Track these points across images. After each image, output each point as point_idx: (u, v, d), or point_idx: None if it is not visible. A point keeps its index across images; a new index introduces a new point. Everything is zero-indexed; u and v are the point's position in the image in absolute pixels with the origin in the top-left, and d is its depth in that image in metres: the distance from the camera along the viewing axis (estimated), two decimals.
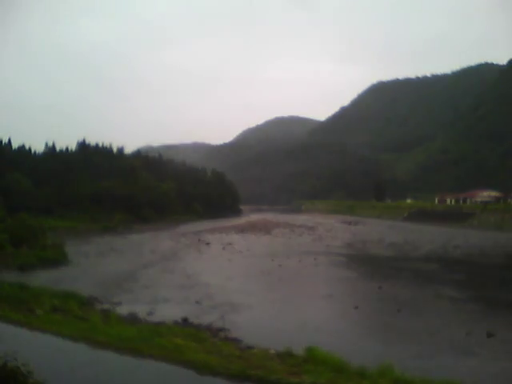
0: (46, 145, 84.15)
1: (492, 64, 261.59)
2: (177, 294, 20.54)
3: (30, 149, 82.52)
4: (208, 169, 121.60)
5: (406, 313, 17.86)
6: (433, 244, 45.67)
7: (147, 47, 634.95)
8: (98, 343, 9.86)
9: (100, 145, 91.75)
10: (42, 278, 22.33)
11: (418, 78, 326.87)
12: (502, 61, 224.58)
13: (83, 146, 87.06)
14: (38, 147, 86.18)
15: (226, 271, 28.01)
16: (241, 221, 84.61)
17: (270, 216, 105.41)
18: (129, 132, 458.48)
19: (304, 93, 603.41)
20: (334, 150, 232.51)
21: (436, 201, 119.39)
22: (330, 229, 66.54)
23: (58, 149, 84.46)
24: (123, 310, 16.53)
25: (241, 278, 26.02)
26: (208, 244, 43.14)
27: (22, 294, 15.78)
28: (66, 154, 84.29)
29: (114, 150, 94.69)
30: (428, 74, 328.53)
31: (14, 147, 79.26)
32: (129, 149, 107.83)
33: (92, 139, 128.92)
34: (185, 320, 15.31)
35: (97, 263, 30.34)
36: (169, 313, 16.27)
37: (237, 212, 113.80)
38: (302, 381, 7.97)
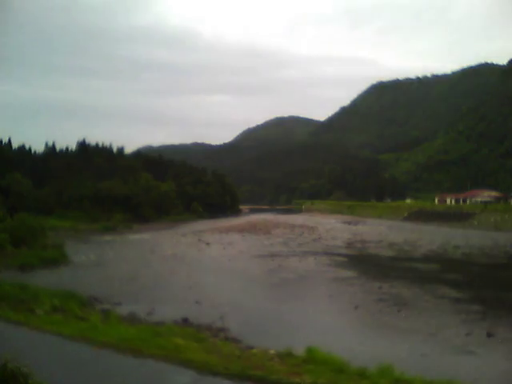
0: (46, 145, 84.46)
1: (492, 64, 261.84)
2: (177, 294, 20.54)
3: (30, 149, 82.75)
4: (208, 169, 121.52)
5: (406, 313, 17.86)
6: (433, 244, 45.66)
7: (147, 47, 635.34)
8: (98, 343, 9.86)
9: (100, 145, 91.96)
10: (42, 278, 22.32)
11: (417, 78, 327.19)
12: (502, 61, 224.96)
13: (83, 145, 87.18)
14: (38, 147, 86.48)
15: (225, 271, 28.03)
16: (241, 221, 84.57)
17: (269, 216, 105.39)
18: (129, 132, 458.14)
19: (304, 93, 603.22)
20: (334, 150, 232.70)
21: (436, 201, 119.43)
22: (329, 229, 66.55)
23: (58, 149, 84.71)
24: (123, 310, 16.53)
25: (241, 277, 26.02)
26: (208, 244, 43.13)
27: (22, 294, 15.75)
28: (66, 153, 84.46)
29: (114, 150, 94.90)
30: (428, 74, 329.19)
31: (14, 147, 79.45)
32: (129, 149, 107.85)
33: (92, 139, 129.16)
34: (185, 320, 15.30)
35: (97, 263, 30.34)
36: (169, 313, 16.26)
37: (236, 212, 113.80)
38: (302, 381, 7.97)
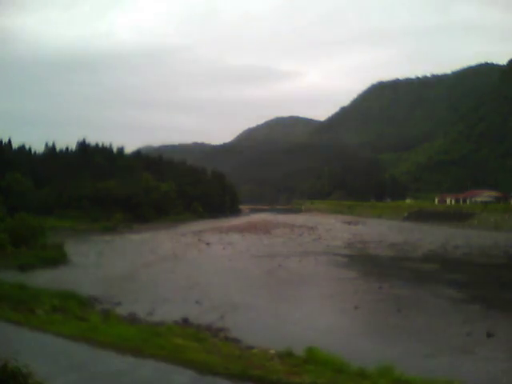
0: (46, 145, 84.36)
1: (492, 64, 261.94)
2: (177, 294, 20.54)
3: (30, 149, 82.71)
4: (208, 169, 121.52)
5: (406, 313, 17.86)
6: (433, 244, 45.64)
7: (147, 48, 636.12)
8: (98, 343, 9.86)
9: (100, 145, 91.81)
10: (42, 278, 22.32)
11: (418, 77, 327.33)
12: (502, 61, 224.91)
13: (83, 145, 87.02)
14: (38, 147, 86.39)
15: (225, 271, 28.02)
16: (241, 221, 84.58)
17: (269, 216, 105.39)
18: (129, 132, 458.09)
19: (304, 93, 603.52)
20: (334, 149, 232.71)
21: (436, 201, 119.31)
22: (329, 229, 66.52)
23: (58, 149, 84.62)
24: (123, 310, 16.53)
25: (241, 278, 26.03)
26: (208, 244, 43.13)
27: (22, 294, 15.75)
28: (66, 153, 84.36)
29: (114, 149, 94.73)
30: (428, 74, 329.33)
31: (14, 147, 79.38)
32: (129, 149, 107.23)
33: (92, 139, 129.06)
34: (185, 320, 15.30)
35: (97, 263, 30.35)
36: (169, 313, 16.27)
37: (237, 212, 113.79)
38: (302, 381, 7.97)
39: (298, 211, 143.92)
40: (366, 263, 33.84)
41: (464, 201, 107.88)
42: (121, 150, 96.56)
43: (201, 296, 19.74)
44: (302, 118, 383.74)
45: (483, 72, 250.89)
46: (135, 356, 9.04)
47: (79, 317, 13.58)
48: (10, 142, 78.50)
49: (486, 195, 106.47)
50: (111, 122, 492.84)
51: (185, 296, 20.01)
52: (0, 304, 13.98)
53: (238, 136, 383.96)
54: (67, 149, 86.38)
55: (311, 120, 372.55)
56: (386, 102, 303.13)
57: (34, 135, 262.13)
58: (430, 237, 54.30)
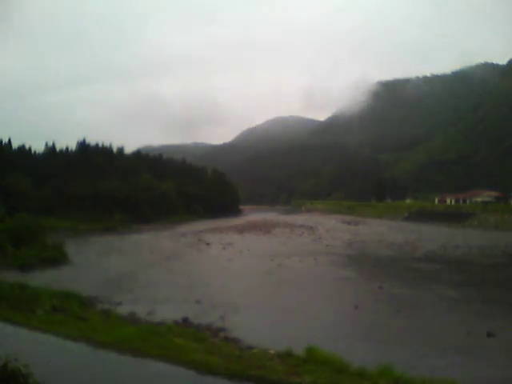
0: (46, 145, 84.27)
1: (492, 64, 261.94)
2: (177, 294, 20.55)
3: (30, 149, 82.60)
4: (208, 169, 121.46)
5: (406, 313, 17.86)
6: (433, 244, 45.60)
7: (148, 48, 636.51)
8: (98, 343, 9.86)
9: (100, 145, 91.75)
10: (42, 278, 22.33)
11: (417, 77, 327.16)
12: (502, 61, 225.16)
13: (83, 145, 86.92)
14: (38, 147, 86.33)
15: (225, 271, 28.04)
16: (241, 221, 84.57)
17: (269, 216, 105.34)
18: (129, 132, 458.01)
19: (304, 93, 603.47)
20: (334, 150, 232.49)
21: (436, 201, 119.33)
22: (329, 229, 66.50)
23: (58, 149, 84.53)
24: (123, 309, 16.54)
25: (241, 277, 26.02)
26: (208, 244, 43.14)
27: (22, 294, 15.76)
28: (66, 154, 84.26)
29: (114, 149, 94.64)
30: (428, 74, 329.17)
31: (14, 147, 79.33)
32: (129, 149, 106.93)
33: (92, 139, 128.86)
34: (185, 320, 15.32)
35: (97, 263, 30.37)
36: (169, 313, 16.28)
37: (237, 212, 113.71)
38: (302, 381, 7.98)
39: (297, 211, 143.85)
40: (366, 263, 33.83)
41: (464, 201, 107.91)
42: (121, 150, 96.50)
43: (201, 296, 19.75)
44: (301, 118, 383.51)
45: (483, 72, 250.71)
46: (135, 356, 9.05)
47: (79, 317, 13.59)
48: (9, 141, 78.50)
49: (486, 195, 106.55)
50: (111, 121, 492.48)
51: (185, 296, 20.02)
52: (0, 304, 13.99)
53: (238, 135, 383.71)
54: (67, 149, 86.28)
55: (311, 120, 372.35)
56: (386, 101, 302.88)
57: (34, 135, 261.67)
58: (430, 237, 54.27)
